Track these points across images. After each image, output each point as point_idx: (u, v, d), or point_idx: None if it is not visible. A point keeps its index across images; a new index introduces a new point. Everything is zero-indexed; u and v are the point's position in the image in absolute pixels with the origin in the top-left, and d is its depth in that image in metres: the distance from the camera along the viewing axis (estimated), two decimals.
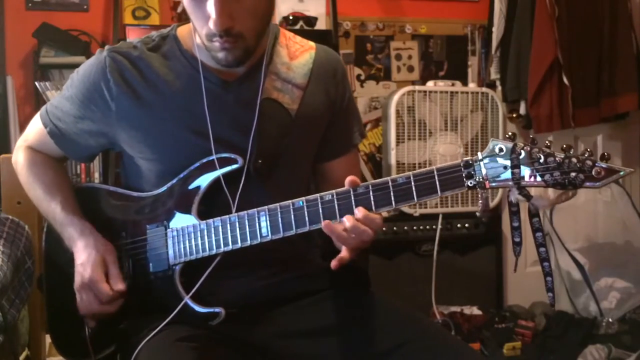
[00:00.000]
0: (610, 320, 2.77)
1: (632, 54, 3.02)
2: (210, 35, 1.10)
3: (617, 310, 2.83)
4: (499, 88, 3.13)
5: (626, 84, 2.98)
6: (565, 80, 2.86)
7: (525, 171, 0.97)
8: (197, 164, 1.18)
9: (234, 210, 1.14)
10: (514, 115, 3.09)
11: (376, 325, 1.17)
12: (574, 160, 0.95)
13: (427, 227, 2.94)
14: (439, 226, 2.93)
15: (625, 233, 3.12)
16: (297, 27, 2.91)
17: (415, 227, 2.93)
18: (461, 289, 3.05)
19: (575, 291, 2.97)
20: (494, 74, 3.18)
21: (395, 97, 2.85)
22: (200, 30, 1.12)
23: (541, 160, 0.96)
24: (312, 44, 1.31)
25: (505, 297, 3.20)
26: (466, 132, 2.94)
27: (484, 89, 3.02)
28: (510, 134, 0.99)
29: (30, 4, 2.89)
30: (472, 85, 3.18)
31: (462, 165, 1.01)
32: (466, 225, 2.99)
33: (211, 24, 1.07)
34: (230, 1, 1.06)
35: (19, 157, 1.35)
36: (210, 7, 1.06)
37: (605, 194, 3.14)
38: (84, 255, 1.18)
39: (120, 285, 1.17)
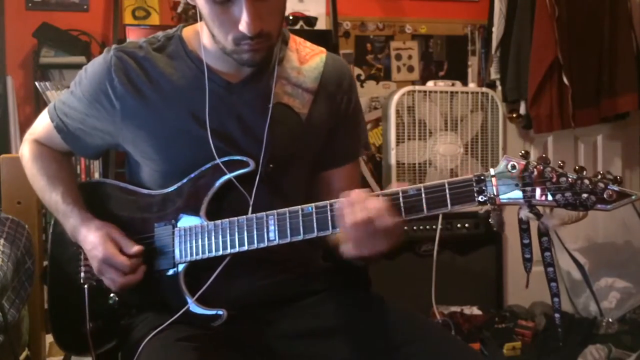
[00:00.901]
0: (610, 320, 2.77)
1: (632, 54, 3.02)
2: (239, 38, 1.09)
3: (617, 310, 2.83)
4: (499, 88, 3.13)
5: (626, 84, 2.98)
6: (565, 80, 2.86)
7: (537, 190, 0.97)
8: (209, 165, 1.18)
9: (250, 212, 1.14)
10: (514, 115, 3.09)
11: (376, 326, 1.17)
12: (587, 181, 0.95)
13: (427, 227, 2.93)
14: (439, 226, 2.92)
15: (625, 233, 3.12)
16: (297, 27, 2.91)
17: (415, 227, 2.93)
18: (461, 289, 3.05)
19: (575, 291, 2.97)
20: (494, 74, 3.18)
21: (395, 97, 2.85)
22: (224, 36, 1.10)
23: (553, 180, 0.96)
24: (322, 49, 1.32)
25: (505, 297, 3.20)
26: (466, 132, 2.94)
27: (484, 89, 3.02)
28: (523, 152, 0.99)
29: (30, 4, 2.90)
30: (472, 85, 3.18)
31: (474, 180, 1.00)
32: (466, 225, 2.98)
33: (243, 28, 1.06)
34: (259, 3, 1.06)
35: (25, 150, 1.37)
36: (242, 12, 1.05)
37: None
38: (91, 239, 1.19)
39: (135, 248, 1.17)
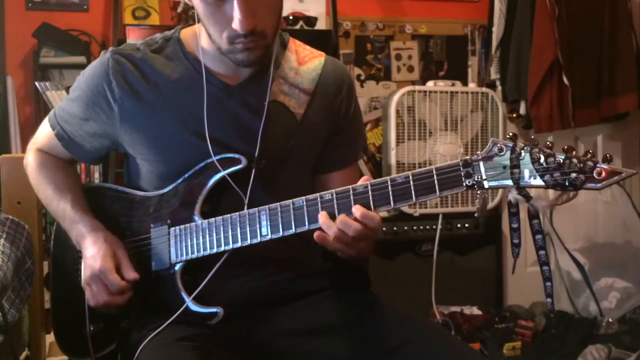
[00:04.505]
0: (610, 320, 2.77)
1: (632, 54, 3.02)
2: (233, 37, 1.09)
3: (617, 310, 2.83)
4: (499, 88, 3.13)
5: (626, 84, 2.98)
6: (565, 80, 2.86)
7: (525, 171, 0.96)
8: (202, 164, 1.18)
9: (246, 209, 1.14)
10: (514, 115, 3.09)
11: (376, 326, 1.17)
12: (575, 161, 0.93)
13: (427, 227, 2.94)
14: (439, 226, 2.93)
15: (625, 233, 3.12)
16: (297, 27, 2.91)
17: (415, 227, 2.93)
18: (461, 289, 3.05)
19: (575, 291, 2.97)
20: (494, 74, 3.18)
21: (395, 97, 2.85)
22: (219, 34, 1.10)
23: (541, 161, 0.95)
24: (322, 53, 1.32)
25: (505, 297, 3.20)
26: (466, 132, 2.94)
27: (484, 89, 3.02)
28: (510, 134, 0.98)
29: (30, 4, 2.90)
30: (472, 85, 3.18)
31: (461, 164, 1.00)
32: (466, 225, 2.99)
33: (236, 26, 1.06)
34: (251, 0, 1.06)
35: (29, 159, 1.37)
36: (234, 9, 1.05)
37: (605, 194, 3.13)
38: (94, 248, 1.19)
39: (132, 275, 1.17)
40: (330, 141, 1.30)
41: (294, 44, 1.30)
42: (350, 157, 1.36)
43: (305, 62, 1.27)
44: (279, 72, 1.23)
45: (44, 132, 1.35)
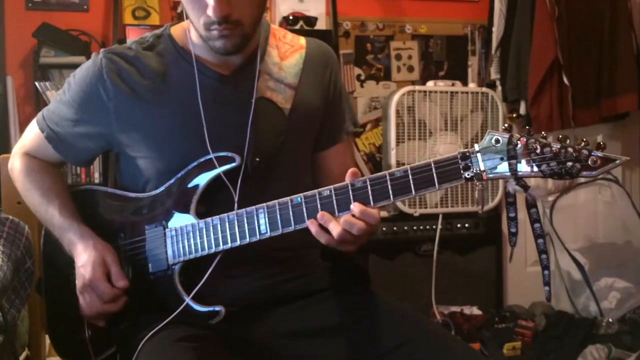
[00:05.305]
0: (610, 320, 2.77)
1: (632, 54, 3.02)
2: (209, 23, 1.10)
3: (617, 310, 2.83)
4: (499, 88, 3.13)
5: (626, 84, 2.98)
6: (565, 80, 2.86)
7: (522, 162, 0.98)
8: (195, 163, 1.18)
9: (236, 208, 1.13)
10: (514, 115, 3.09)
11: (376, 325, 1.17)
12: (570, 150, 0.95)
13: (427, 227, 2.94)
14: (439, 226, 2.93)
15: (625, 233, 3.12)
16: (297, 27, 2.91)
17: (415, 227, 2.93)
18: (461, 289, 3.05)
19: (575, 291, 2.97)
20: (494, 74, 3.18)
21: (395, 97, 2.85)
22: (198, 20, 1.12)
23: (537, 151, 0.97)
24: (302, 42, 1.31)
25: (505, 297, 3.20)
26: (466, 132, 2.94)
27: (484, 89, 3.02)
28: (506, 125, 1.00)
29: (30, 4, 2.89)
30: (472, 85, 3.18)
31: (459, 157, 1.01)
32: (466, 225, 2.99)
33: (210, 12, 1.08)
34: None
35: (15, 163, 1.35)
36: None
37: (605, 194, 3.14)
38: (84, 257, 1.18)
39: (122, 282, 1.17)
40: (323, 120, 1.31)
41: (275, 39, 1.29)
42: (342, 130, 1.35)
43: (287, 56, 1.27)
44: (263, 67, 1.23)
45: (32, 135, 1.34)
